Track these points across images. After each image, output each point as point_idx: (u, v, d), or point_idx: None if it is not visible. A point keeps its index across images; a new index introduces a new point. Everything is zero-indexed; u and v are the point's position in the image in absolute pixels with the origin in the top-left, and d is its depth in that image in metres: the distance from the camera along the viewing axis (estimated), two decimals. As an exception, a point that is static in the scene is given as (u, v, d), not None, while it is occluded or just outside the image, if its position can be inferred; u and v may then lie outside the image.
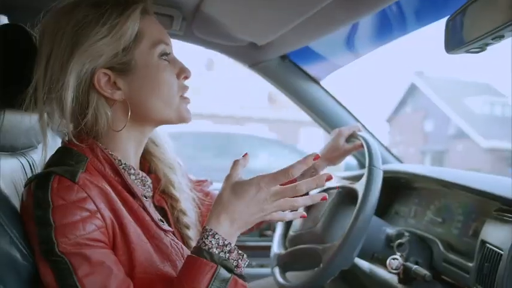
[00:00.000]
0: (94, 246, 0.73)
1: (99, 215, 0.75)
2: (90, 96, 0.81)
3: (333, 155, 1.25)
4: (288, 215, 0.86)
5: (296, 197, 0.80)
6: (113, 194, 0.79)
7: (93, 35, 0.78)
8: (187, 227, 0.97)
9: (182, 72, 0.88)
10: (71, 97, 0.79)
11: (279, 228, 1.37)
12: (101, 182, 0.79)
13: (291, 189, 0.79)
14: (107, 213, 0.76)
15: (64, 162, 0.79)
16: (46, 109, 0.82)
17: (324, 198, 0.83)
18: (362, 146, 1.17)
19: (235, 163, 0.83)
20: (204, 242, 0.76)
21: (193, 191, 1.06)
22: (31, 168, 1.00)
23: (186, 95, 0.90)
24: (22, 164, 0.97)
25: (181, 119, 0.89)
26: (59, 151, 0.85)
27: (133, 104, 0.84)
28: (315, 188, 0.84)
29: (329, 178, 0.81)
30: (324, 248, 1.11)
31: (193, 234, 0.97)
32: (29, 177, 0.95)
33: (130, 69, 0.83)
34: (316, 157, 0.80)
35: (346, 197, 1.19)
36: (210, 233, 0.77)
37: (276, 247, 1.32)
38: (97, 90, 0.81)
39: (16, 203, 0.84)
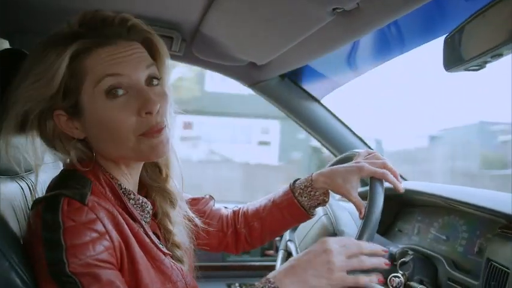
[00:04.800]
0: (103, 267, 0.73)
1: (107, 237, 0.75)
2: (55, 134, 0.83)
3: (338, 183, 1.03)
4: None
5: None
6: (119, 217, 0.79)
7: (29, 77, 0.78)
8: (180, 261, 0.93)
9: (143, 108, 0.78)
10: (38, 135, 0.82)
11: (282, 248, 1.36)
12: (107, 205, 0.79)
13: (357, 259, 0.80)
14: (115, 235, 0.76)
15: (69, 185, 0.79)
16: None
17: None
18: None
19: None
20: None
21: (189, 211, 1.02)
22: (31, 192, 0.99)
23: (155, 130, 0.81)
24: (22, 188, 0.97)
25: (142, 157, 0.85)
26: (62, 174, 0.85)
27: (93, 144, 0.84)
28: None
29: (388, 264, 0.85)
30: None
31: (186, 260, 0.95)
32: (29, 200, 0.96)
33: (79, 111, 0.80)
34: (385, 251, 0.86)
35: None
36: (272, 286, 0.76)
37: (288, 234, 1.34)
38: (59, 128, 0.82)
39: (15, 227, 0.83)
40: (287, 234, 1.33)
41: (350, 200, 1.01)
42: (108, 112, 0.77)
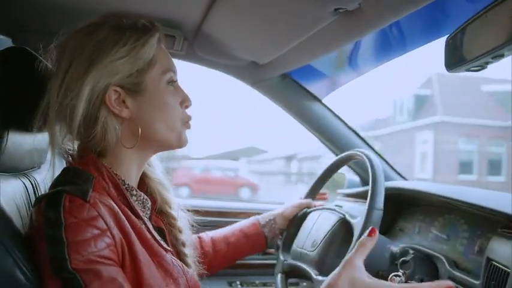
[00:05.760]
0: (105, 264, 0.74)
1: (109, 233, 0.76)
2: (100, 111, 0.84)
3: (288, 219, 1.36)
4: None
5: None
6: (120, 213, 0.80)
7: (112, 53, 0.83)
8: (184, 245, 0.98)
9: (185, 101, 0.93)
10: (83, 108, 0.81)
11: (286, 235, 1.37)
12: (109, 201, 0.80)
13: None
14: (116, 232, 0.78)
15: (72, 181, 0.80)
16: (56, 126, 0.84)
17: None
18: None
19: (361, 245, 0.81)
20: None
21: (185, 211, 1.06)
22: (34, 189, 1.00)
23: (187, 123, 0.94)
24: (25, 185, 0.97)
25: (181, 143, 0.93)
26: (65, 171, 0.86)
27: (139, 124, 0.87)
28: None
29: None
30: (317, 280, 1.13)
31: (189, 251, 0.99)
32: (32, 197, 0.96)
33: (140, 90, 0.86)
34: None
35: (345, 228, 1.19)
36: None
37: (282, 254, 1.34)
38: (107, 106, 0.84)
39: (18, 224, 0.84)
40: (281, 255, 1.34)
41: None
42: (168, 97, 0.89)
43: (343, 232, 1.20)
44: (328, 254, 1.20)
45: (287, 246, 1.35)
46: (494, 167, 16.53)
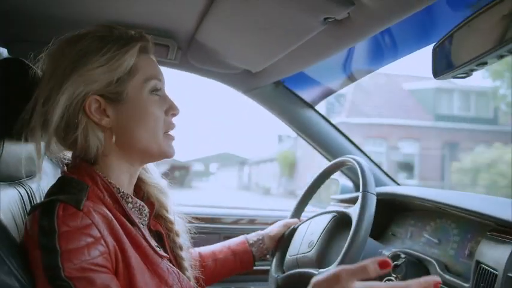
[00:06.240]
0: (98, 271, 0.74)
1: (102, 242, 0.76)
2: (80, 119, 0.85)
3: (275, 239, 1.36)
4: None
5: None
6: (114, 221, 0.81)
7: (92, 62, 0.84)
8: (181, 248, 0.99)
9: (171, 109, 0.93)
10: (58, 114, 0.83)
11: (277, 252, 1.37)
12: (103, 209, 0.81)
13: None
14: (110, 240, 0.78)
15: (66, 190, 0.81)
16: (42, 135, 0.86)
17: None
18: None
19: (362, 268, 0.67)
20: None
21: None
22: (29, 198, 1.01)
23: (172, 132, 0.94)
24: (20, 194, 0.98)
25: (163, 153, 0.93)
26: (59, 180, 0.87)
27: (120, 133, 0.88)
28: None
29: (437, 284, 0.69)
30: (320, 273, 1.11)
31: (186, 255, 1.00)
32: (28, 206, 0.97)
33: (121, 99, 0.87)
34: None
35: (341, 221, 1.20)
36: None
37: (274, 270, 1.33)
38: (87, 114, 0.85)
39: (14, 233, 0.84)
40: (273, 272, 1.33)
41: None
42: (150, 106, 0.89)
43: (338, 227, 1.22)
44: (327, 250, 1.21)
45: (278, 263, 1.35)
46: (405, 169, 15.87)
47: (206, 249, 1.29)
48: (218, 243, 1.33)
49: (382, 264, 0.67)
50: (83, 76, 0.83)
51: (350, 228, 1.10)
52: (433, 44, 0.89)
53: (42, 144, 0.89)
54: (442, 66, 0.85)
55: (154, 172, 1.03)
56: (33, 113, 0.84)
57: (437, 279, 0.68)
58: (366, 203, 1.11)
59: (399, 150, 16.03)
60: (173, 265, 0.95)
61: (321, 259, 1.20)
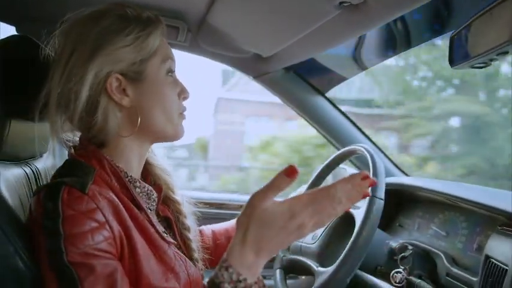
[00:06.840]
0: (102, 257, 0.73)
1: (107, 226, 0.75)
2: (101, 98, 0.83)
3: None
4: None
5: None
6: (120, 206, 0.80)
7: (117, 41, 0.83)
8: (189, 230, 0.98)
9: (182, 93, 0.93)
10: (86, 93, 0.81)
11: (279, 267, 1.37)
12: (109, 193, 0.79)
13: (330, 205, 0.66)
14: (115, 225, 0.77)
15: (73, 173, 0.79)
16: (57, 115, 0.84)
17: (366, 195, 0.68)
18: None
19: (277, 181, 0.67)
20: (216, 274, 0.69)
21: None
22: (35, 178, 1.00)
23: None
24: (26, 174, 0.97)
25: (177, 135, 0.93)
26: (66, 163, 0.86)
27: (138, 113, 0.86)
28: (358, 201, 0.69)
29: (372, 184, 0.68)
30: (319, 271, 1.13)
31: (193, 237, 0.99)
32: (33, 186, 0.96)
33: (141, 79, 0.86)
34: (364, 177, 0.67)
35: (345, 220, 1.19)
36: (224, 265, 0.68)
37: (280, 251, 1.33)
38: (108, 93, 0.83)
39: (20, 212, 0.84)
40: (280, 251, 1.33)
41: None
42: (166, 88, 0.89)
43: (343, 224, 1.20)
44: (329, 246, 1.21)
45: None
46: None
47: (219, 227, 1.28)
48: (231, 220, 1.31)
49: (288, 172, 0.66)
50: (109, 55, 0.82)
51: (353, 229, 1.09)
52: (449, 33, 0.87)
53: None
54: (460, 55, 0.83)
55: (158, 153, 1.03)
56: (51, 92, 0.82)
57: (366, 173, 0.67)
58: (371, 208, 1.08)
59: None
60: (181, 249, 0.94)
61: (321, 255, 1.20)
